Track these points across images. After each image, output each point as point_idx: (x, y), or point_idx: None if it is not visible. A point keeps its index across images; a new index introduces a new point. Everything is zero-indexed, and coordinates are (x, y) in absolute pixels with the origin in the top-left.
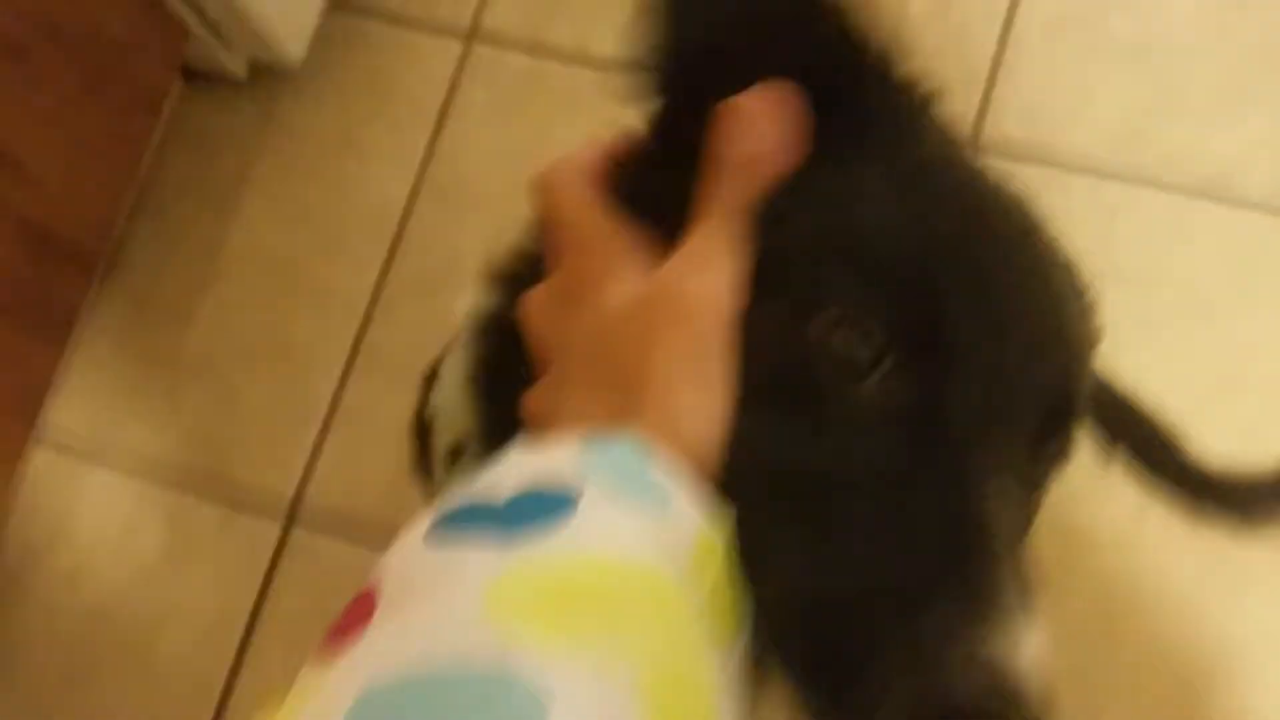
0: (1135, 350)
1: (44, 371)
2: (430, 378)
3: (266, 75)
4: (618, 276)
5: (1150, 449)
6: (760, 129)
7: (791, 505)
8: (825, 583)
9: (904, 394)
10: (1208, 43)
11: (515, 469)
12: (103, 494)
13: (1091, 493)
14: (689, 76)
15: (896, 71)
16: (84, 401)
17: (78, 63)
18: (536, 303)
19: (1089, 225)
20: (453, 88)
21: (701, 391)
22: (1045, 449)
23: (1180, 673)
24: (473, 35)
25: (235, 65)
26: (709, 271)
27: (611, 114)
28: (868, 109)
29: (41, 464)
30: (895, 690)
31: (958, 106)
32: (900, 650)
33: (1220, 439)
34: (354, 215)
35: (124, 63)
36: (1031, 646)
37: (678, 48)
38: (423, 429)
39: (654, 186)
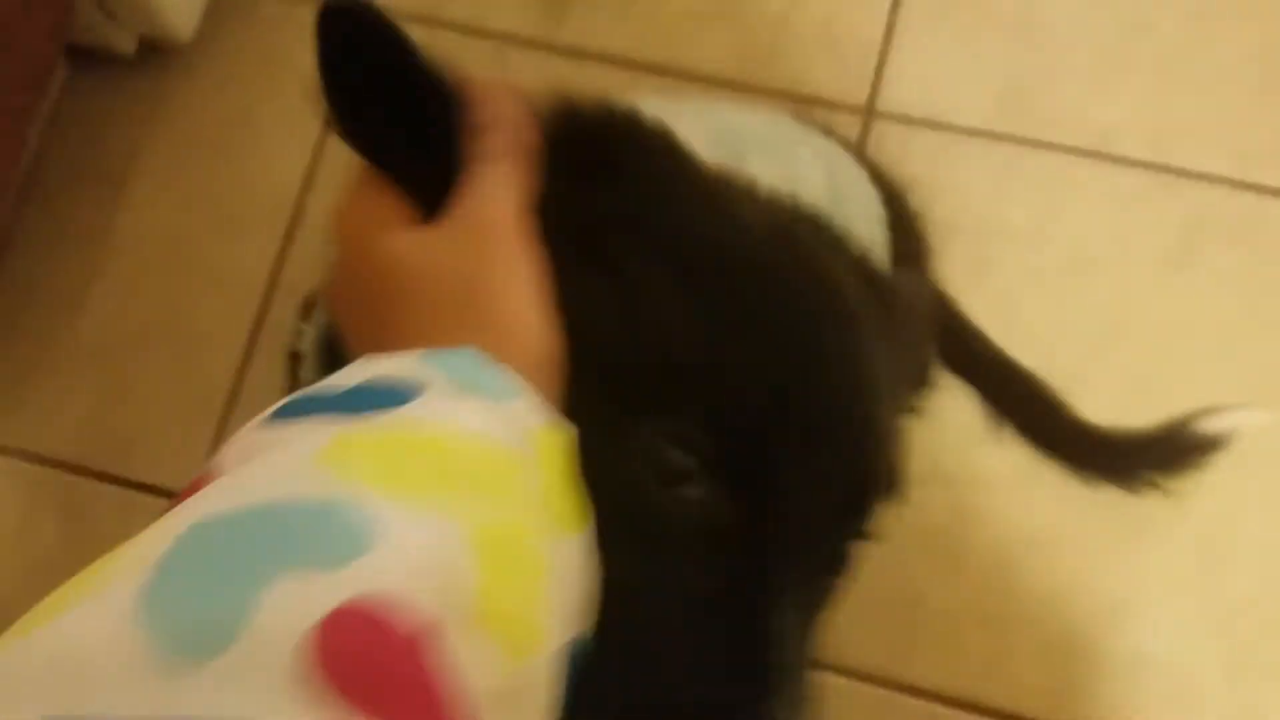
0: (1027, 304)
1: None
2: (307, 307)
3: (156, 53)
4: (398, 224)
5: (1034, 413)
6: (502, 96)
7: (606, 618)
8: (630, 696)
9: (716, 511)
10: (1088, 11)
11: (356, 372)
12: None
13: (988, 437)
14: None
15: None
16: None
17: None
18: (335, 284)
19: (981, 187)
20: None
21: (526, 308)
22: (850, 536)
23: (1078, 614)
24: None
25: (123, 43)
26: (496, 200)
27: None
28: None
29: None
30: None
31: (852, 77)
32: None
33: (1109, 385)
34: (250, 195)
35: (5, 38)
36: None
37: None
38: (293, 362)
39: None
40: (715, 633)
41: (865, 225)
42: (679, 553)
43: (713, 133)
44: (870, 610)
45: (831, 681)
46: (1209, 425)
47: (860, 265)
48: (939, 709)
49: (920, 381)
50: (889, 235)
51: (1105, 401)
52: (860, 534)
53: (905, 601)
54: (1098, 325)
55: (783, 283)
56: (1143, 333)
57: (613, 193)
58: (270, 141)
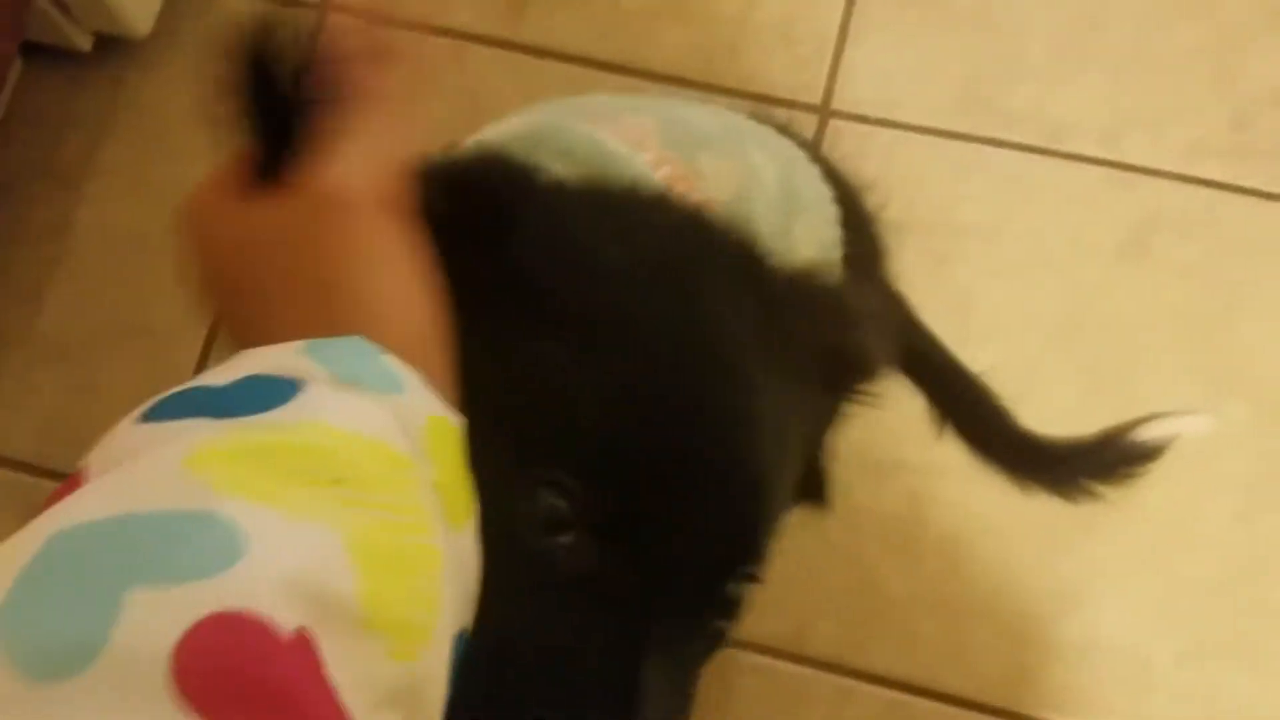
0: (982, 300)
1: None
2: None
3: (113, 48)
4: (244, 199)
5: (975, 418)
6: (354, 45)
7: (477, 664)
8: None
9: (588, 561)
10: (1041, 8)
11: (233, 368)
12: None
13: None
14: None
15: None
16: None
17: None
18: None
19: (937, 184)
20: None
21: (396, 283)
22: (731, 582)
23: (1032, 601)
24: (324, 3)
25: (79, 39)
26: (345, 164)
27: (461, 81)
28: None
29: None
30: None
31: (809, 74)
32: None
33: (1065, 380)
34: None
35: None
36: None
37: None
38: None
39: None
40: (584, 682)
41: (818, 224)
42: (554, 603)
43: (665, 128)
44: (828, 598)
45: (791, 670)
46: (1149, 433)
47: (764, 281)
48: (897, 695)
49: (853, 381)
50: (844, 234)
51: (1061, 396)
52: (746, 578)
53: (863, 589)
54: (1053, 320)
55: (659, 335)
56: (1098, 327)
57: (497, 249)
58: (228, 136)
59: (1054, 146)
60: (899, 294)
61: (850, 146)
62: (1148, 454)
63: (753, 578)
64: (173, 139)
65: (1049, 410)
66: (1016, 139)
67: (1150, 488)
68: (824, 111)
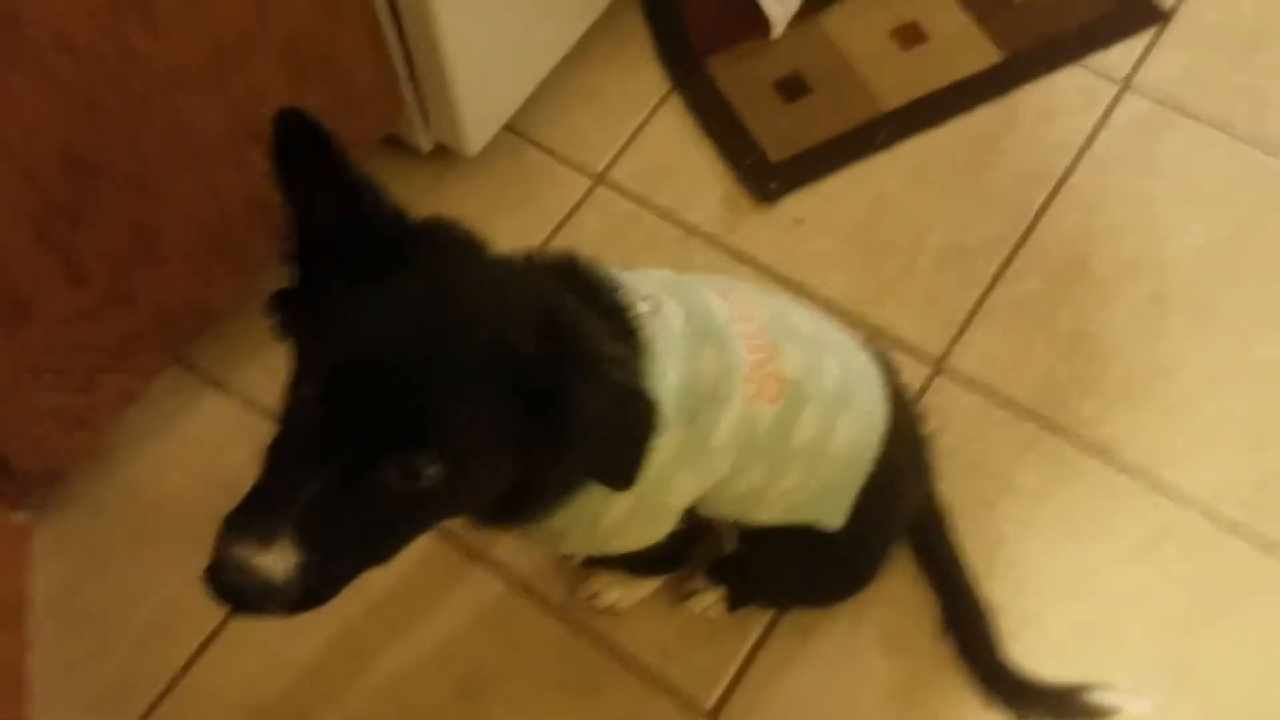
0: (1013, 548)
1: None
2: None
3: (441, 157)
4: None
5: (971, 633)
6: None
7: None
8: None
9: (315, 428)
10: (1127, 342)
11: None
12: None
13: None
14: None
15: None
16: None
17: (328, 102)
18: None
19: (1003, 444)
20: (573, 211)
21: None
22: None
23: None
24: (600, 179)
25: (424, 142)
26: None
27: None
28: None
29: None
30: None
31: (936, 332)
32: None
33: (1057, 634)
34: None
35: (353, 111)
36: None
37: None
38: None
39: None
40: (266, 496)
41: (859, 429)
42: (297, 449)
43: (772, 319)
44: None
45: None
46: (1100, 697)
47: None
48: None
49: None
50: (895, 444)
51: (1047, 643)
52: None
53: None
54: (1064, 584)
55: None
56: (1100, 600)
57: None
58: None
59: (1103, 450)
60: (935, 503)
61: (946, 398)
62: (1096, 714)
63: (411, 464)
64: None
65: (1034, 650)
66: (1079, 434)
67: None
68: (936, 366)
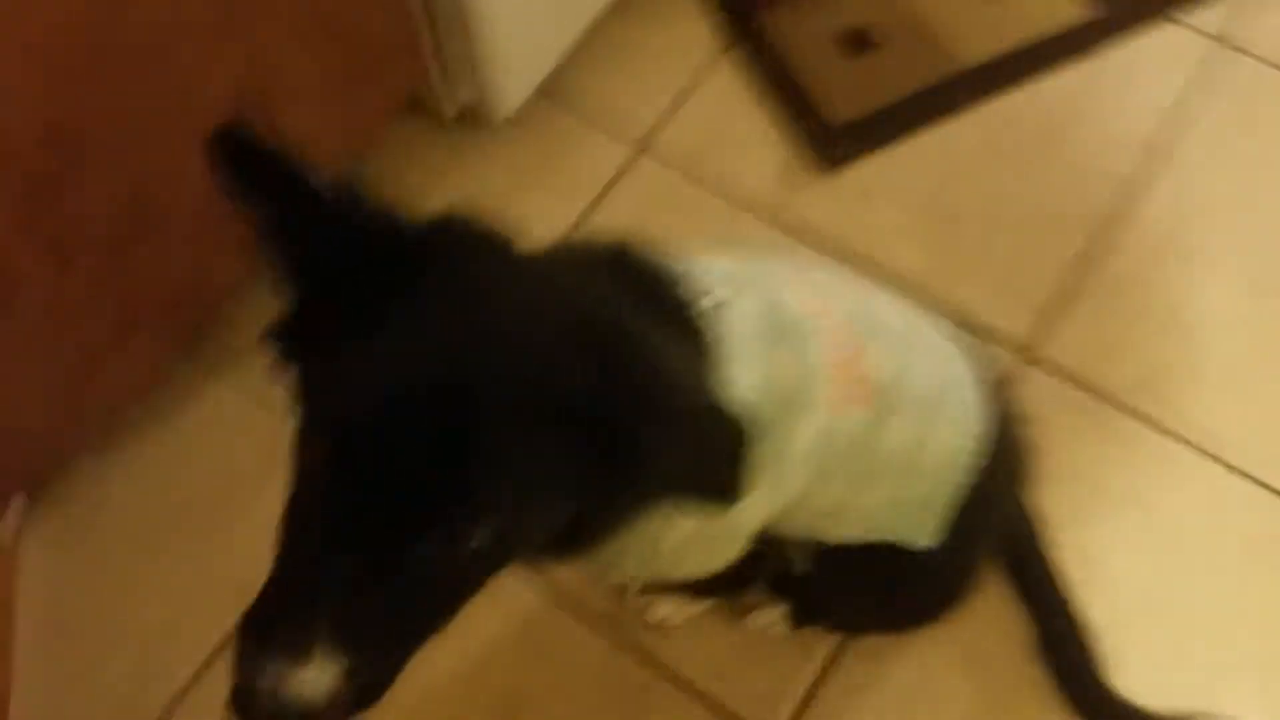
0: (1110, 561)
1: None
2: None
3: (466, 125)
4: None
5: (1066, 654)
6: None
7: None
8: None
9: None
10: (1222, 331)
11: None
12: None
13: None
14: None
15: None
16: None
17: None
18: None
19: (1094, 444)
20: (612, 183)
21: None
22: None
23: None
24: (642, 148)
25: (448, 106)
26: None
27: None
28: None
29: None
30: None
31: (1020, 316)
32: None
33: (1156, 653)
34: None
35: (370, 70)
36: None
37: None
38: None
39: None
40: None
41: (957, 435)
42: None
43: (855, 310)
44: None
45: None
46: None
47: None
48: None
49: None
50: (992, 454)
51: (1154, 667)
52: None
53: None
54: (1171, 600)
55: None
56: (1210, 619)
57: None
58: (531, 221)
59: (1205, 448)
60: (1031, 515)
61: (1030, 391)
62: None
63: (454, 533)
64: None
65: (1139, 676)
66: (1175, 430)
67: None
68: (1021, 353)
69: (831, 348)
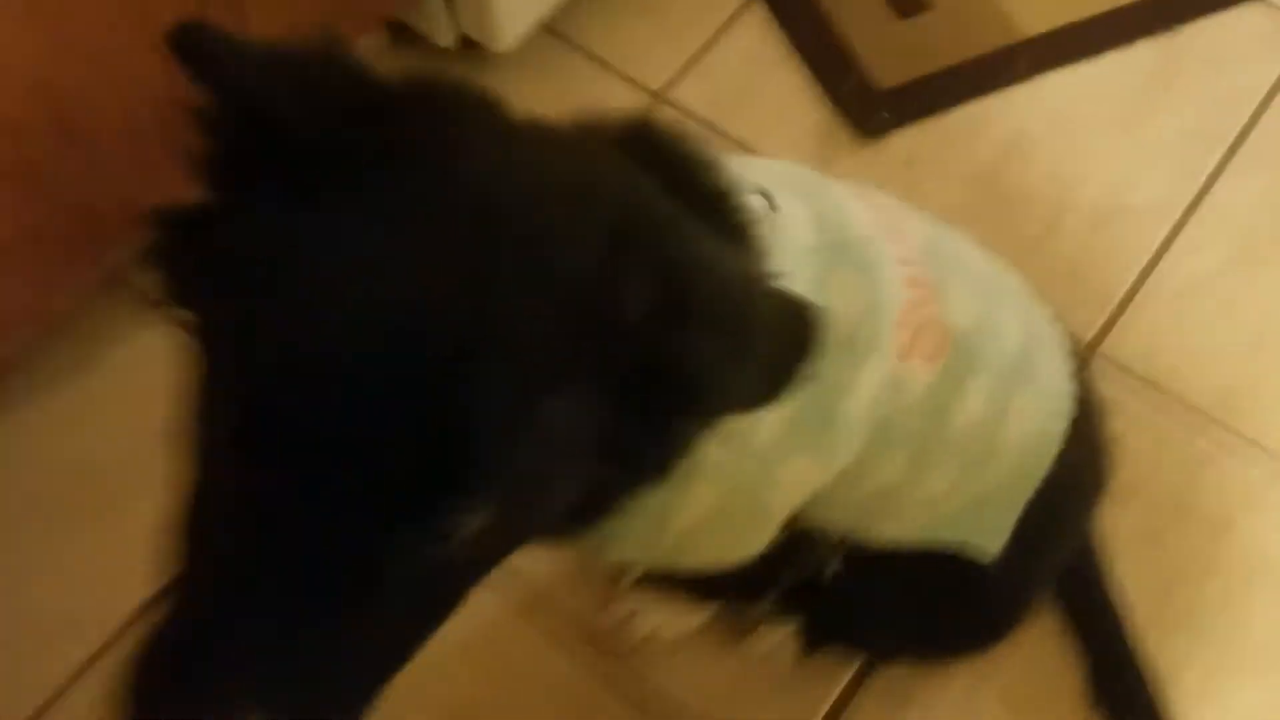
0: (1183, 591)
1: None
2: None
3: (466, 54)
4: None
5: (1133, 712)
6: None
7: None
8: None
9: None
10: None
11: None
12: None
13: None
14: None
15: None
16: None
17: None
18: None
19: (1179, 462)
20: None
21: None
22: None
23: None
24: (659, 98)
25: (447, 36)
26: None
27: None
28: None
29: None
30: None
31: (1084, 313)
32: None
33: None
34: None
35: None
36: None
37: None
38: None
39: None
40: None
41: (1043, 406)
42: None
43: (933, 243)
44: None
45: None
46: None
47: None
48: None
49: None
50: (1070, 451)
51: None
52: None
53: None
54: (1253, 643)
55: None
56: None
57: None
58: None
59: None
60: (1094, 540)
61: (1106, 391)
62: None
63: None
64: None
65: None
66: (1270, 447)
67: None
68: (1090, 350)
69: (904, 282)
